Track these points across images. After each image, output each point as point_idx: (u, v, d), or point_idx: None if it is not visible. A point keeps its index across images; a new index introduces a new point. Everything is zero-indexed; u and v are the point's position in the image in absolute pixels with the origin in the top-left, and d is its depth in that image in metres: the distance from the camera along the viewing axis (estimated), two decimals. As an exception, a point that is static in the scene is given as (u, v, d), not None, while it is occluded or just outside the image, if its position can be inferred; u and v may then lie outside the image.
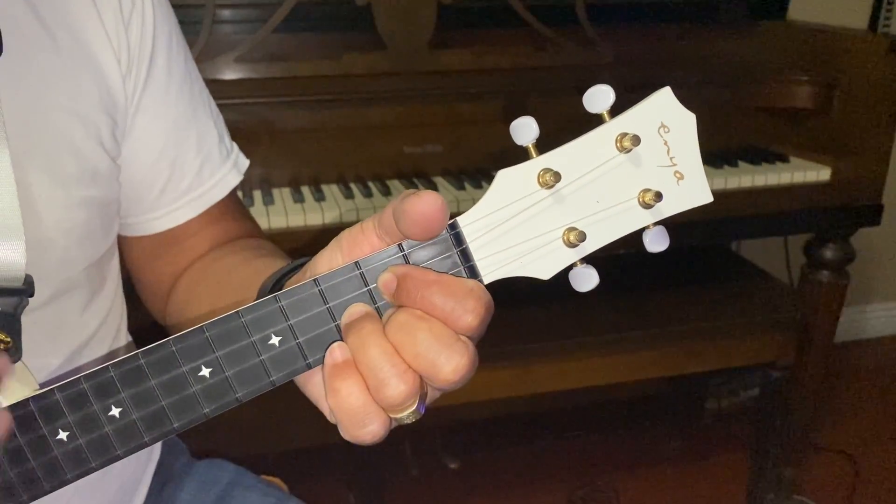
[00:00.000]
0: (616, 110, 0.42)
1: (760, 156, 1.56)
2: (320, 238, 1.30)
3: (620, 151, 0.41)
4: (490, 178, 1.41)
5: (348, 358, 0.41)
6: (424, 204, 0.39)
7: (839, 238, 1.59)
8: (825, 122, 1.56)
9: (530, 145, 0.41)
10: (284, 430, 1.87)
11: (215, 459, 0.83)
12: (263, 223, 1.28)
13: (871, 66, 1.48)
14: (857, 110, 1.51)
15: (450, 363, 0.39)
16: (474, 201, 1.52)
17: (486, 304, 0.41)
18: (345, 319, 0.42)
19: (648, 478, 1.97)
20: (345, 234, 0.44)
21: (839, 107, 1.53)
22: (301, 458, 1.87)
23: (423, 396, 0.41)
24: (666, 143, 0.42)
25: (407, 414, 0.41)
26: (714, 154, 1.54)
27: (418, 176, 1.45)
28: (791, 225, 1.62)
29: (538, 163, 0.41)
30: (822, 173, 1.53)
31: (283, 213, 1.30)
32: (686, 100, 0.42)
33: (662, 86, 0.41)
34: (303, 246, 1.29)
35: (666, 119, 0.42)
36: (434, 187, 1.41)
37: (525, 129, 0.41)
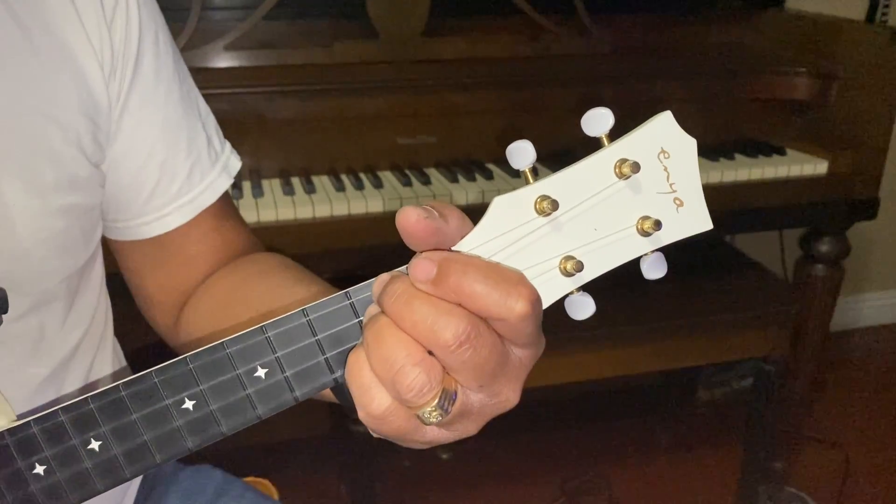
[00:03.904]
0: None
1: (757, 148, 1.54)
2: (311, 232, 1.28)
3: (620, 178, 0.40)
4: (484, 170, 1.41)
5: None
6: (402, 219, 0.39)
7: (835, 232, 1.57)
8: (823, 114, 1.54)
9: (527, 170, 0.40)
10: (274, 422, 1.86)
11: (202, 466, 0.81)
12: (253, 216, 1.26)
13: (870, 57, 1.46)
14: (855, 103, 1.50)
15: (448, 328, 0.37)
16: (468, 193, 1.48)
17: (537, 298, 0.39)
18: (365, 319, 0.40)
19: (640, 468, 1.97)
20: None
21: (837, 99, 1.51)
22: (292, 449, 1.87)
23: (448, 396, 0.39)
24: (666, 169, 0.40)
25: (430, 409, 0.38)
26: (710, 146, 1.53)
27: (411, 168, 1.43)
28: (787, 219, 1.61)
29: (535, 189, 0.40)
30: (819, 166, 1.51)
31: (272, 206, 1.28)
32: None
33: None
34: (293, 240, 1.27)
35: (666, 144, 0.40)
36: (427, 179, 1.39)
37: (522, 153, 0.39)
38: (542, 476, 1.93)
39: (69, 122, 0.58)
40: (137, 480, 0.76)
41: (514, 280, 0.38)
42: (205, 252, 0.69)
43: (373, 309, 0.40)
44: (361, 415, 0.40)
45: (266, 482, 0.95)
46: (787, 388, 1.69)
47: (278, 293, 0.62)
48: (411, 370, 0.37)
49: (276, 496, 0.94)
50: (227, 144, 0.73)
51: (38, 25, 0.57)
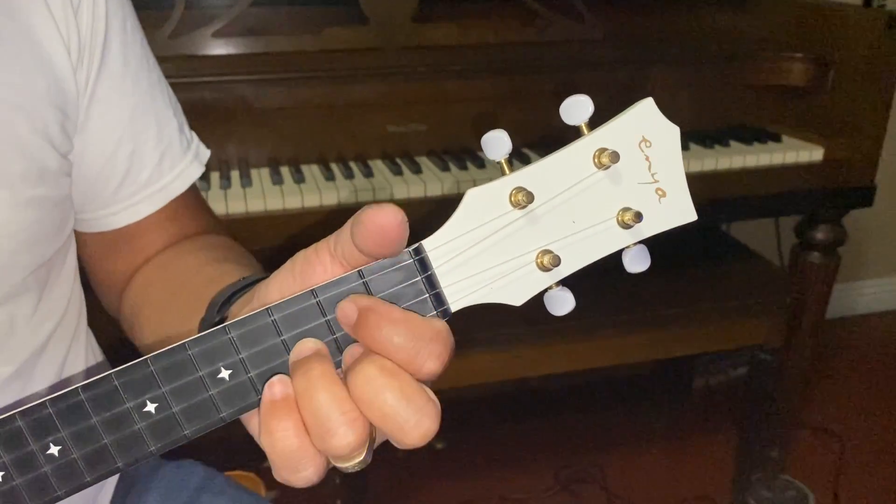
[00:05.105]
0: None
1: (752, 135, 1.52)
2: (299, 222, 1.26)
3: (599, 168, 0.38)
4: (476, 159, 1.39)
5: (289, 394, 0.38)
6: (384, 216, 0.36)
7: (831, 219, 1.56)
8: (819, 100, 1.52)
9: (503, 160, 0.39)
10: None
11: (184, 461, 0.80)
12: (241, 206, 1.24)
13: (867, 43, 1.44)
14: (852, 89, 1.48)
15: (419, 428, 0.36)
16: (458, 183, 1.45)
17: (451, 347, 0.38)
18: (292, 357, 0.39)
19: (635, 457, 1.96)
20: (299, 256, 0.41)
21: (834, 85, 1.49)
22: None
23: (371, 443, 0.38)
24: (647, 159, 0.39)
25: (354, 463, 0.38)
26: (705, 133, 1.51)
27: (402, 156, 1.42)
28: (783, 206, 1.59)
29: (510, 181, 0.38)
30: (814, 154, 1.50)
31: (261, 195, 1.26)
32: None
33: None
34: (282, 230, 1.25)
35: (647, 132, 0.39)
36: (418, 168, 1.37)
37: (497, 144, 0.38)
38: (536, 465, 1.92)
39: (37, 112, 0.57)
40: (115, 477, 0.75)
41: (427, 337, 0.37)
42: (163, 239, 0.69)
43: (307, 350, 0.39)
44: (266, 446, 0.38)
45: (253, 476, 0.93)
46: (782, 376, 1.68)
47: (190, 273, 0.62)
48: (345, 432, 0.36)
49: (263, 490, 0.93)
50: (195, 134, 0.72)
51: (4, 12, 0.55)
